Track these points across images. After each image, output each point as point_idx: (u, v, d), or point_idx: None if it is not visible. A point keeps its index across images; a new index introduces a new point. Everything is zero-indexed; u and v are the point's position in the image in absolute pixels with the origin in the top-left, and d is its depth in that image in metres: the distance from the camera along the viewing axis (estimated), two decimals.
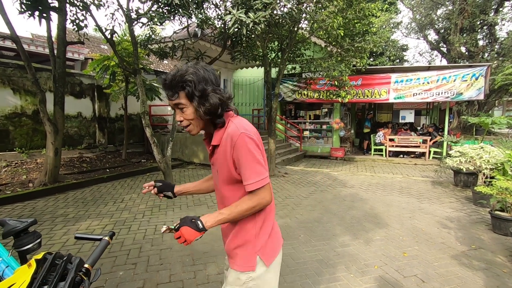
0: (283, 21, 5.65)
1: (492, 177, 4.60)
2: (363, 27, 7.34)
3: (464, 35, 16.08)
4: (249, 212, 1.13)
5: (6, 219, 1.44)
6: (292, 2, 5.17)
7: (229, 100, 1.18)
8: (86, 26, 5.46)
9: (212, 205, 4.71)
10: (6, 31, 5.06)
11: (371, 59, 17.68)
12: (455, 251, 3.17)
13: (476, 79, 8.03)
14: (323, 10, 5.66)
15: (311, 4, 5.65)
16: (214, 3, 5.59)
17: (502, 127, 6.27)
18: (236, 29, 4.35)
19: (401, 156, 9.82)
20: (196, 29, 7.04)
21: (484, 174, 5.09)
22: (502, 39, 15.88)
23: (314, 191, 5.68)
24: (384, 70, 9.46)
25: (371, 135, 10.46)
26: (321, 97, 9.77)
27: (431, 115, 12.92)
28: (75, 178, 6.01)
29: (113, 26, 5.35)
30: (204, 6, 5.44)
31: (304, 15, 5.73)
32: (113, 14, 5.40)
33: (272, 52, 7.90)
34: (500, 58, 15.05)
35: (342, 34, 6.02)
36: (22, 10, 4.49)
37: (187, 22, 5.75)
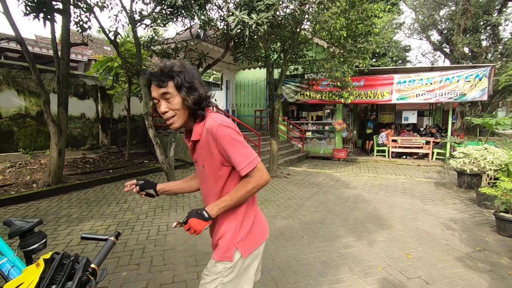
0: (286, 22, 5.65)
1: (497, 179, 4.57)
2: (366, 28, 7.32)
3: (467, 35, 16.00)
4: (249, 194, 1.19)
5: (12, 219, 1.45)
6: (295, 3, 5.18)
7: (210, 96, 1.25)
8: (89, 27, 5.49)
9: None
10: (11, 32, 5.11)
11: (374, 60, 17.64)
12: (460, 252, 3.15)
13: (480, 79, 7.99)
14: (325, 11, 5.66)
15: (313, 5, 5.65)
16: (217, 4, 5.61)
17: (506, 128, 6.21)
18: (239, 30, 4.36)
19: (404, 157, 9.77)
20: (199, 31, 7.07)
21: (488, 175, 5.06)
22: (506, 39, 15.77)
23: (316, 192, 5.67)
24: (386, 71, 9.43)
25: (374, 136, 10.43)
26: (323, 98, 9.75)
27: (434, 116, 12.87)
28: (79, 179, 6.04)
29: (116, 28, 5.37)
30: (207, 7, 5.45)
31: (306, 16, 5.73)
32: (116, 15, 5.44)
33: (275, 53, 7.91)
34: (503, 59, 14.95)
35: (344, 35, 6.02)
36: (27, 12, 4.52)
37: (190, 23, 5.77)
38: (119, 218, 4.14)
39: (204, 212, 1.17)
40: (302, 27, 6.62)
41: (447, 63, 18.53)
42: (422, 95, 8.66)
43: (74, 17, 5.31)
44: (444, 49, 18.94)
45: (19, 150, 6.62)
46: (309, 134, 11.09)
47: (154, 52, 6.53)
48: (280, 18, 5.34)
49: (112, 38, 5.34)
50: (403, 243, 3.37)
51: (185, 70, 1.17)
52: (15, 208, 4.52)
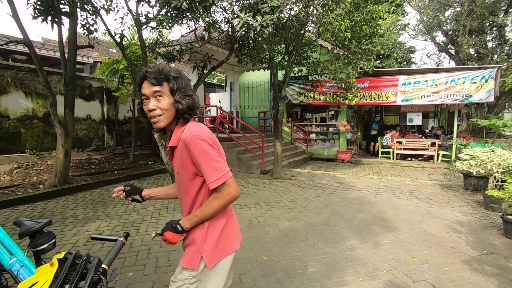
0: (290, 24, 5.66)
1: (504, 181, 4.52)
2: (370, 30, 7.32)
3: (473, 36, 15.87)
4: (220, 209, 1.21)
5: (22, 219, 1.47)
6: (300, 5, 5.19)
7: (199, 106, 1.31)
8: (96, 30, 5.55)
9: None
10: (18, 35, 5.18)
11: (378, 61, 17.56)
12: (466, 255, 3.12)
13: (486, 81, 7.91)
14: (330, 12, 5.67)
15: (318, 7, 5.65)
16: (222, 7, 5.64)
17: None
18: (244, 33, 4.38)
19: (409, 159, 9.70)
20: (204, 33, 7.10)
21: (495, 178, 5.01)
22: None
23: (321, 194, 5.65)
24: (391, 73, 9.39)
25: (378, 138, 10.37)
26: (327, 99, 9.73)
27: (439, 117, 12.76)
28: (84, 180, 6.10)
29: (122, 30, 5.43)
30: (212, 9, 5.49)
31: (311, 17, 5.74)
32: (122, 18, 5.49)
33: (279, 54, 7.92)
34: (510, 60, 14.80)
35: (349, 36, 6.02)
36: (36, 15, 4.59)
37: (195, 25, 5.81)
38: (124, 219, 4.17)
39: (178, 226, 1.23)
40: (307, 29, 6.63)
41: (452, 64, 18.38)
42: (427, 96, 8.60)
43: (81, 20, 5.37)
44: (449, 50, 18.80)
45: (26, 151, 6.70)
46: (313, 135, 11.07)
47: (159, 54, 6.57)
48: (284, 20, 5.35)
49: (118, 40, 5.39)
50: (409, 246, 3.34)
51: (181, 77, 1.23)
52: (22, 209, 4.58)
